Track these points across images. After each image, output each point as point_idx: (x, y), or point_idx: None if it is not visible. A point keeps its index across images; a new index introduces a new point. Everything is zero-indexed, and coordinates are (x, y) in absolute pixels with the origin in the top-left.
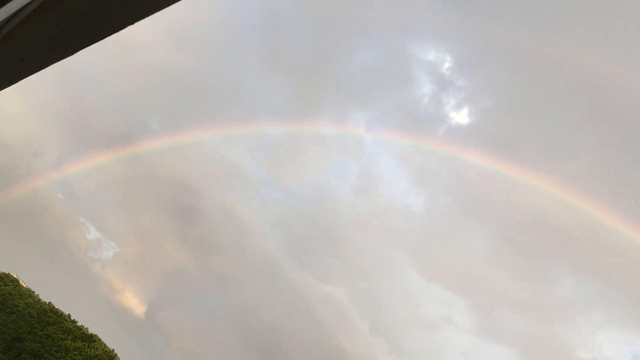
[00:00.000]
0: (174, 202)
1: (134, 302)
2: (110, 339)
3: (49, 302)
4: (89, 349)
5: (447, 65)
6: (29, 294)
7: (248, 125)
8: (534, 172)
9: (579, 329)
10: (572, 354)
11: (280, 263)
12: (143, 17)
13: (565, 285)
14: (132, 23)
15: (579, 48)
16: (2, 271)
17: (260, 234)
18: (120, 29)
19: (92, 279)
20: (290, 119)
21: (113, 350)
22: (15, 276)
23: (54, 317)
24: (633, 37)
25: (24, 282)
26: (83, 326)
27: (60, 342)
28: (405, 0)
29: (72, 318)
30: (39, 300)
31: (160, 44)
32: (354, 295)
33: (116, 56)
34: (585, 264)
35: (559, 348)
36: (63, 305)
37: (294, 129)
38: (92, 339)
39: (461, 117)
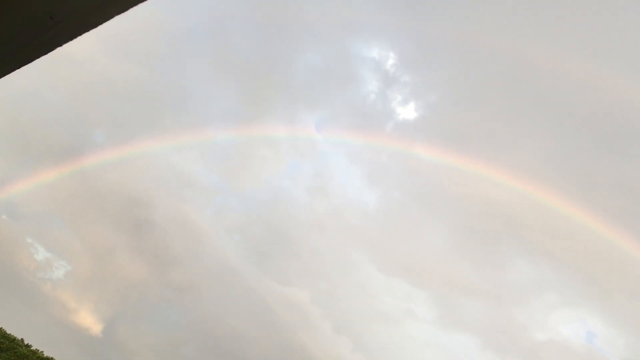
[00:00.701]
0: (125, 215)
1: (89, 320)
2: None
3: (0, 328)
4: None
5: (391, 61)
6: None
7: (198, 132)
8: (483, 162)
9: (535, 311)
10: (530, 336)
11: (240, 269)
12: (87, 31)
13: (519, 270)
14: (76, 37)
15: (523, 39)
16: None
17: (217, 241)
18: (62, 44)
19: (44, 301)
20: (240, 124)
21: None
22: None
23: (7, 342)
24: (577, 26)
25: None
26: (38, 350)
27: None
28: (344, 1)
29: (26, 342)
30: None
31: (100, 56)
32: (316, 296)
33: (54, 71)
34: (537, 248)
35: (516, 331)
36: (15, 330)
37: (245, 133)
38: None
39: (408, 112)
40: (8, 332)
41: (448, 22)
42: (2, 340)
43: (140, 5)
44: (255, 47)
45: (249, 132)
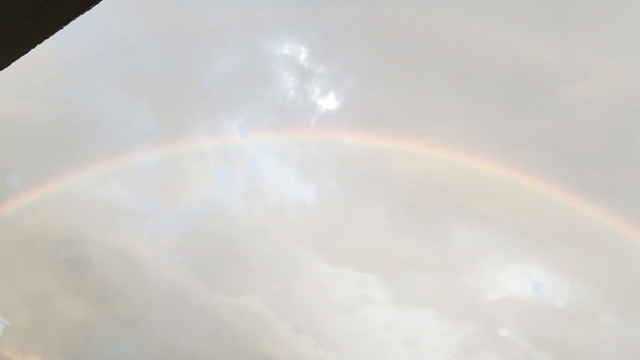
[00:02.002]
0: (56, 257)
1: None
2: None
3: None
4: None
5: (303, 56)
6: None
7: (118, 158)
8: (409, 139)
9: (482, 273)
10: (482, 298)
11: (187, 289)
12: None
13: (460, 237)
14: None
15: (429, 15)
16: None
17: (158, 266)
18: None
19: None
20: (161, 143)
21: None
22: None
23: None
24: None
25: None
26: None
27: None
28: (247, 2)
29: None
30: None
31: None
32: (269, 300)
33: None
34: (474, 213)
35: (469, 296)
36: None
37: (168, 151)
38: None
39: (329, 102)
40: None
41: (354, 8)
42: None
43: None
44: (163, 63)
45: (172, 150)
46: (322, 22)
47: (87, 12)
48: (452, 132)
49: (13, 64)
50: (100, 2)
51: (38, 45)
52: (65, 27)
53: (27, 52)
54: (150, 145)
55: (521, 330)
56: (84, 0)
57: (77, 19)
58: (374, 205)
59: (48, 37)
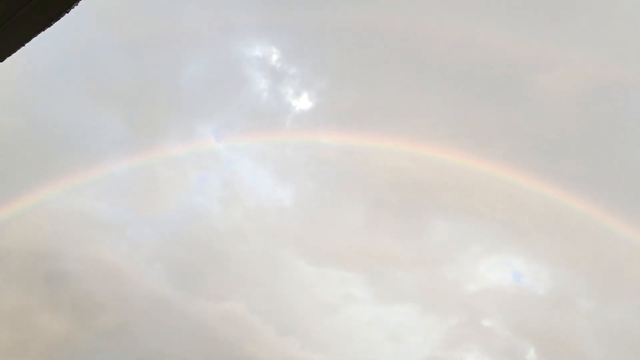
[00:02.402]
0: (33, 273)
1: None
2: None
3: None
4: None
5: (275, 57)
6: None
7: (91, 169)
8: (384, 136)
9: (462, 265)
10: (463, 290)
11: (169, 297)
12: None
13: (439, 231)
14: None
15: (399, 12)
16: None
17: (138, 275)
18: None
19: None
20: (135, 151)
21: None
22: None
23: None
24: None
25: None
26: None
27: None
28: (216, 4)
29: None
30: None
31: None
32: (253, 304)
33: None
34: (451, 207)
35: (450, 289)
36: None
37: (142, 159)
38: None
39: (303, 103)
40: None
41: (324, 8)
42: None
43: None
44: (133, 70)
45: (146, 157)
46: (293, 23)
47: (66, 14)
48: (426, 127)
49: None
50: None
51: (19, 48)
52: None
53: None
54: (124, 153)
55: (503, 320)
56: (63, 2)
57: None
58: (352, 203)
59: (25, 44)
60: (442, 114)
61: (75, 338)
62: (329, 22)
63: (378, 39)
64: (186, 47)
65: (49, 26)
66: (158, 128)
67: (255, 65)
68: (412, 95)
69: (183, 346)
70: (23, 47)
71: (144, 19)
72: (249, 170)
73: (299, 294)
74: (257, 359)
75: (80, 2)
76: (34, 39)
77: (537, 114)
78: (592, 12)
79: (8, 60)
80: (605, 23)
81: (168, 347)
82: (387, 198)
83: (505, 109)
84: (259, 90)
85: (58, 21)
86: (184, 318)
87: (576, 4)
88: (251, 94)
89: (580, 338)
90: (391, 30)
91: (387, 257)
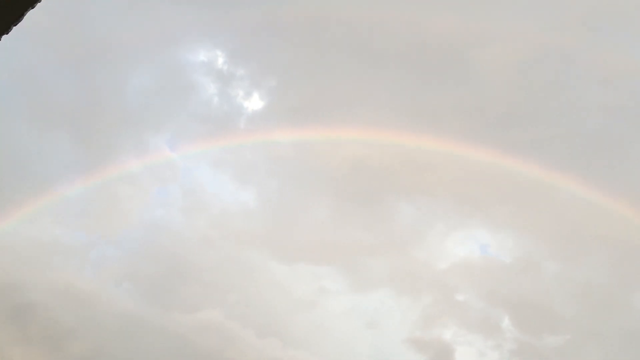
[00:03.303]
0: None
1: None
2: None
3: None
4: None
5: (221, 60)
6: None
7: (44, 195)
8: (339, 127)
9: (430, 245)
10: (433, 268)
11: (143, 315)
12: None
13: (403, 214)
14: None
15: (346, 4)
16: None
17: (107, 297)
18: None
19: None
20: (88, 171)
21: None
22: None
23: None
24: None
25: None
26: None
27: None
28: (154, 15)
29: None
30: None
31: None
32: (229, 310)
33: None
34: (412, 189)
35: (421, 268)
36: None
37: (97, 178)
38: None
39: (254, 103)
40: None
41: (263, 6)
42: None
43: None
44: (77, 88)
45: (100, 176)
46: (235, 24)
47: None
48: (378, 113)
49: None
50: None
51: None
52: None
53: None
54: (77, 175)
55: (475, 292)
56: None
57: None
58: (316, 197)
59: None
60: (392, 98)
61: None
62: (271, 19)
63: (321, 31)
64: (129, 61)
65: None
66: (109, 145)
67: (202, 71)
68: (361, 83)
69: None
70: None
71: (83, 37)
72: (209, 177)
73: (274, 294)
74: None
75: (19, 23)
76: None
77: (482, 88)
78: None
79: None
80: None
81: None
82: (349, 188)
83: (451, 87)
84: (209, 95)
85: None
86: (161, 333)
87: None
88: (201, 100)
89: (550, 299)
90: (334, 21)
91: (355, 247)
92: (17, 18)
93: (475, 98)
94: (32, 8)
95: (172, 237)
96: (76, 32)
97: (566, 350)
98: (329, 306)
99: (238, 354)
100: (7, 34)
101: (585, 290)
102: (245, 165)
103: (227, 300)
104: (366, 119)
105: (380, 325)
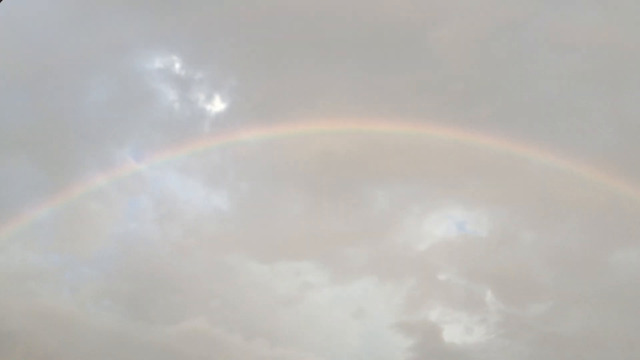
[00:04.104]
0: None
1: None
2: None
3: None
4: None
5: (177, 65)
6: None
7: (12, 221)
8: (303, 121)
9: (407, 228)
10: (413, 251)
11: (126, 331)
12: None
13: (378, 200)
14: None
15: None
16: None
17: (88, 317)
18: None
19: None
20: (53, 192)
21: None
22: None
23: None
24: None
25: None
26: None
27: None
28: (103, 25)
29: None
30: None
31: None
32: (212, 316)
33: None
34: (383, 174)
35: (401, 253)
36: None
37: (64, 198)
38: None
39: (216, 105)
40: None
41: (213, 6)
42: None
43: None
44: (32, 108)
45: (67, 196)
46: (188, 28)
47: None
48: (341, 103)
49: None
50: None
51: None
52: None
53: None
54: (43, 197)
55: (456, 270)
56: None
57: None
58: (289, 193)
59: None
60: (353, 86)
61: None
62: (225, 19)
63: (276, 26)
64: (83, 75)
65: None
66: (72, 163)
67: (159, 78)
68: (322, 74)
69: None
70: None
71: (31, 56)
72: (178, 185)
73: (257, 294)
74: None
75: None
76: None
77: (441, 67)
78: None
79: None
80: None
81: None
82: (321, 180)
83: (410, 69)
84: (169, 102)
85: None
86: (147, 347)
87: None
88: (162, 108)
89: (528, 268)
90: (288, 15)
91: (334, 238)
92: None
93: (435, 77)
94: None
95: (147, 249)
96: (24, 52)
97: (550, 317)
98: (314, 300)
99: (227, 358)
100: None
101: (563, 255)
102: (214, 169)
103: (210, 307)
104: (331, 109)
105: (366, 313)
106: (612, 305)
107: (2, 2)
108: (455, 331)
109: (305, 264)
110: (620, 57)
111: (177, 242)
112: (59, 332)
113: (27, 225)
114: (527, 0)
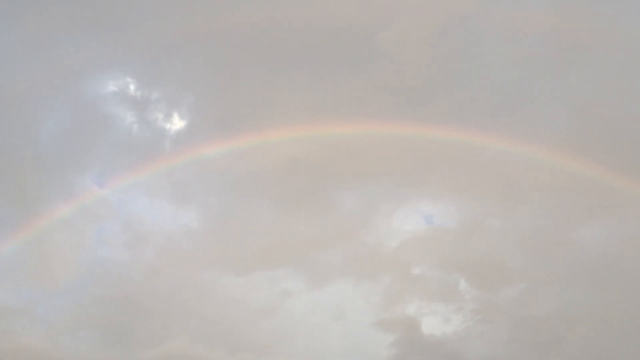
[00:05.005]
0: None
1: None
2: None
3: None
4: None
5: (132, 87)
6: None
7: None
8: (263, 130)
9: (377, 226)
10: (385, 248)
11: (105, 359)
12: None
13: (345, 202)
14: None
15: (242, 5)
16: None
17: (64, 350)
18: None
19: None
20: (17, 226)
21: None
22: None
23: None
24: None
25: None
26: None
27: None
28: (53, 52)
29: None
30: None
31: None
32: (193, 335)
33: None
34: (349, 175)
35: (374, 252)
36: None
37: (28, 232)
38: None
39: (175, 123)
40: None
41: (164, 24)
42: None
43: None
44: None
45: (31, 229)
46: (139, 48)
47: None
48: (300, 109)
49: None
50: None
51: None
52: None
53: None
54: (6, 233)
55: (429, 262)
56: None
57: None
58: (257, 203)
59: None
60: (310, 92)
61: None
62: (175, 36)
63: (227, 39)
64: (37, 105)
65: None
66: (34, 195)
67: (115, 101)
68: (278, 82)
69: None
70: None
71: None
72: (145, 206)
73: (235, 308)
74: None
75: None
76: None
77: (393, 66)
78: None
79: None
80: None
81: None
82: (288, 188)
83: (364, 70)
84: (127, 125)
85: None
86: None
87: None
88: (120, 131)
89: (498, 254)
90: (239, 26)
91: (307, 243)
92: None
93: (390, 76)
94: None
95: (120, 274)
96: None
97: (524, 298)
98: (293, 307)
99: None
100: None
101: (530, 238)
102: (179, 187)
103: (189, 326)
104: (290, 117)
105: (345, 315)
106: (582, 281)
107: None
108: (434, 322)
109: (280, 272)
110: (567, 41)
111: (149, 263)
112: None
113: None
114: None
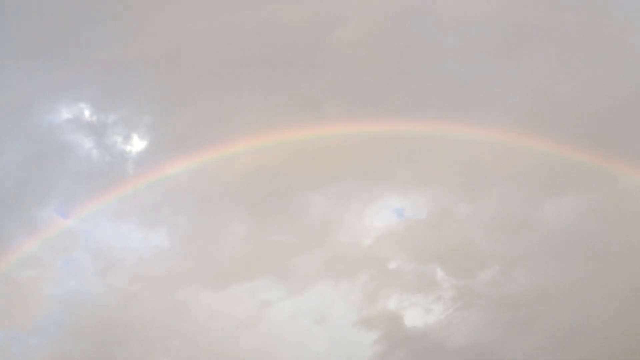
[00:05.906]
0: None
1: None
2: None
3: None
4: None
5: (87, 112)
6: None
7: None
8: (225, 142)
9: (350, 225)
10: (360, 247)
11: None
12: None
13: (316, 205)
14: None
15: (196, 16)
16: None
17: None
18: None
19: None
20: None
21: None
22: None
23: None
24: None
25: None
26: None
27: None
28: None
29: None
30: None
31: None
32: (175, 356)
33: None
34: (317, 178)
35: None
36: None
37: None
38: None
39: (136, 145)
40: None
41: (112, 46)
42: None
43: None
44: None
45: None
46: (90, 72)
47: None
48: (258, 118)
49: None
50: None
51: None
52: None
53: None
54: None
55: (404, 256)
56: None
57: None
58: (227, 216)
59: None
60: (266, 100)
61: None
62: (125, 57)
63: (179, 55)
64: None
65: None
66: None
67: (70, 129)
68: (235, 93)
69: None
70: None
71: None
72: (113, 232)
73: (216, 324)
74: None
75: None
76: None
77: (347, 65)
78: None
79: None
80: None
81: None
82: (257, 197)
83: (318, 73)
84: (86, 151)
85: None
86: None
87: None
88: (79, 159)
89: (470, 239)
90: (188, 42)
91: (281, 251)
92: None
93: (344, 76)
94: None
95: (93, 304)
96: None
97: (499, 280)
98: (274, 316)
99: None
100: None
101: (499, 220)
102: (146, 209)
103: (171, 348)
104: (249, 126)
105: (327, 318)
106: (553, 257)
107: None
108: (415, 315)
109: (258, 283)
110: (516, 26)
111: (123, 290)
112: None
113: None
114: None
